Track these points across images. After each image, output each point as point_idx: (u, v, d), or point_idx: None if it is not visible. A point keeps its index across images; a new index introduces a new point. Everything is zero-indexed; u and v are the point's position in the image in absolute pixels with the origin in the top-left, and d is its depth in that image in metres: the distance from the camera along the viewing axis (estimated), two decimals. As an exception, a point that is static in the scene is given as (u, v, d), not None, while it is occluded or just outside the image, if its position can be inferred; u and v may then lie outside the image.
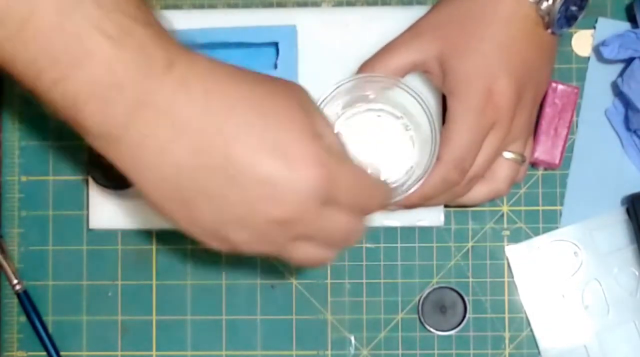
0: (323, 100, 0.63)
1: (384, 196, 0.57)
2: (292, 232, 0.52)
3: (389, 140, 0.69)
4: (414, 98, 0.64)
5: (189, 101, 0.49)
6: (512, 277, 0.74)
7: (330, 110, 0.67)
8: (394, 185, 0.68)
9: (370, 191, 0.55)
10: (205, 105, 0.49)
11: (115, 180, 0.66)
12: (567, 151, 0.73)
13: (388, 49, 0.66)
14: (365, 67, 0.66)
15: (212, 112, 0.49)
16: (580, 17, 0.65)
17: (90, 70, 0.47)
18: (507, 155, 0.66)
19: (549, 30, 0.64)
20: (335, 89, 0.64)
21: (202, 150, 0.49)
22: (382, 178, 0.67)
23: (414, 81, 0.67)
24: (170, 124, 0.48)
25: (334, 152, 0.52)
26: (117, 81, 0.47)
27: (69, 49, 0.47)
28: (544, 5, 0.63)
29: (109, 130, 0.48)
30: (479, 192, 0.67)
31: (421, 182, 0.63)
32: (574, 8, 0.64)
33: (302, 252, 0.54)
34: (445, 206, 0.72)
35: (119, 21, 0.47)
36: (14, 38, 0.46)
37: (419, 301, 0.74)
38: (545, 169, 0.74)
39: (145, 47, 0.48)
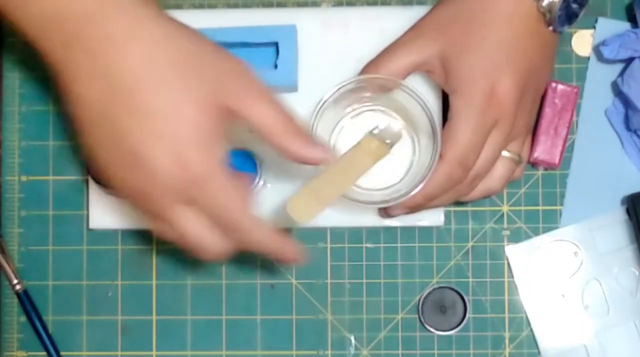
0: (324, 102, 0.63)
1: (259, 237, 0.58)
2: (151, 208, 0.56)
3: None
4: (415, 100, 0.64)
5: (115, 53, 0.54)
6: (512, 277, 0.74)
7: (334, 111, 0.67)
8: (396, 186, 0.68)
9: (238, 219, 0.57)
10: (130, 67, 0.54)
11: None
12: (567, 151, 0.73)
13: (390, 50, 0.66)
14: (368, 68, 0.66)
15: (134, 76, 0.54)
16: (580, 15, 0.65)
17: (39, 8, 0.54)
18: (504, 153, 0.66)
19: (550, 28, 0.64)
20: (336, 91, 0.64)
21: (114, 97, 0.54)
22: (386, 183, 0.68)
23: (414, 80, 0.67)
24: (95, 69, 0.54)
25: (217, 164, 0.55)
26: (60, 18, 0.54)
27: None
28: (545, 2, 0.63)
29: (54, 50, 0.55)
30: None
31: (424, 182, 0.63)
32: (574, 5, 0.64)
33: (161, 229, 0.58)
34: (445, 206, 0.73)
35: None
36: None
37: (419, 301, 0.74)
38: (545, 169, 0.74)
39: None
